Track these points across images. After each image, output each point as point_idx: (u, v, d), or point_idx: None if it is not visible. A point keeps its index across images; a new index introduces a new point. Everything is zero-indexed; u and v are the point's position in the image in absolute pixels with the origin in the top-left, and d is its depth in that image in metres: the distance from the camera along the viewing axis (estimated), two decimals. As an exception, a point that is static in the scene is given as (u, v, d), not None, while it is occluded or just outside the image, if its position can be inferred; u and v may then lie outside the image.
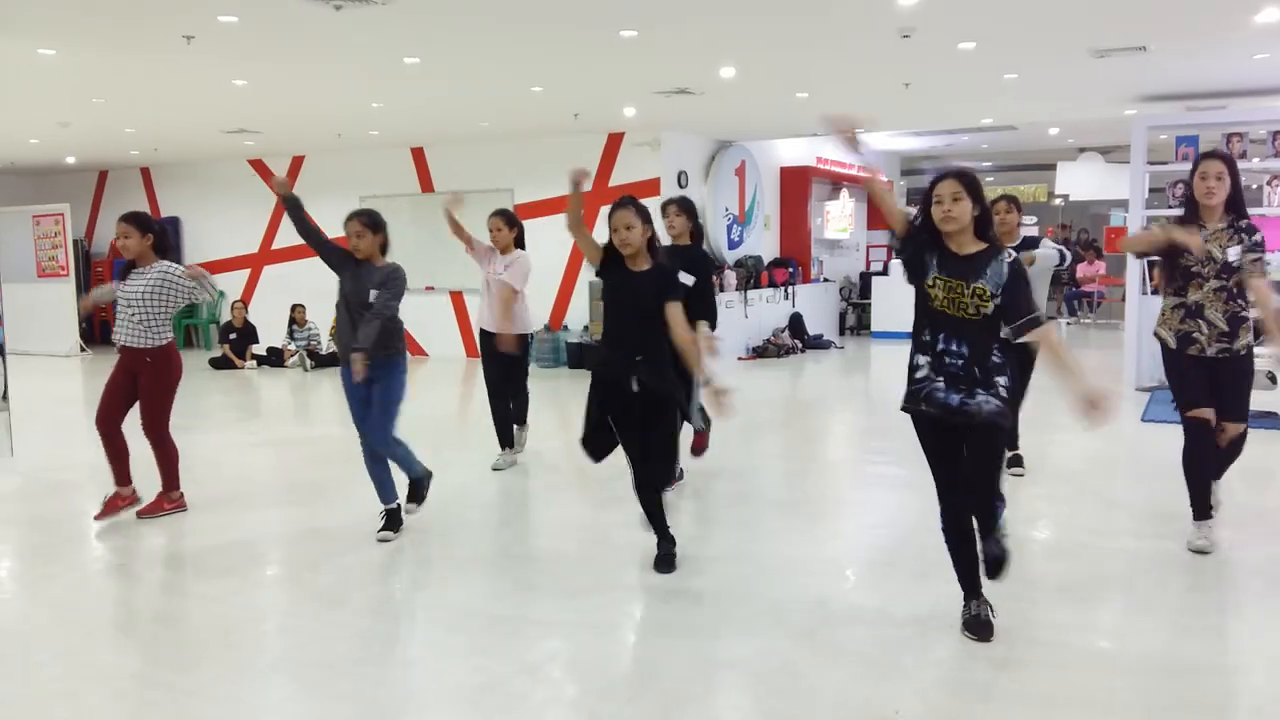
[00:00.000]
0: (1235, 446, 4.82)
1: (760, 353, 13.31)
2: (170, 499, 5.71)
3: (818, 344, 14.21)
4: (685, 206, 5.89)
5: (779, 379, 11.62)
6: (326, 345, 13.00)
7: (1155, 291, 4.91)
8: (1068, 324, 16.68)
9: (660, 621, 4.09)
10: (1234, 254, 4.59)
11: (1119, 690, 3.38)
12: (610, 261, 4.51)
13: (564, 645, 3.85)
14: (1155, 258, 4.96)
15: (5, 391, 7.39)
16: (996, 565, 3.86)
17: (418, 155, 13.71)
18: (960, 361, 3.63)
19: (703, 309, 5.54)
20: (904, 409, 3.77)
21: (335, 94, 9.63)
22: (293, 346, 13.06)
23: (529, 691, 3.45)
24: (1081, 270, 17.38)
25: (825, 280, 15.81)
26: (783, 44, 7.76)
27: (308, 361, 12.80)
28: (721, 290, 12.83)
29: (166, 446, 5.63)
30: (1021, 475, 6.13)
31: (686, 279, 5.26)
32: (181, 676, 3.61)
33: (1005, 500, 4.09)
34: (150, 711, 3.35)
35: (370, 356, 5.04)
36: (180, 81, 8.86)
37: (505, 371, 6.68)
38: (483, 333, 6.76)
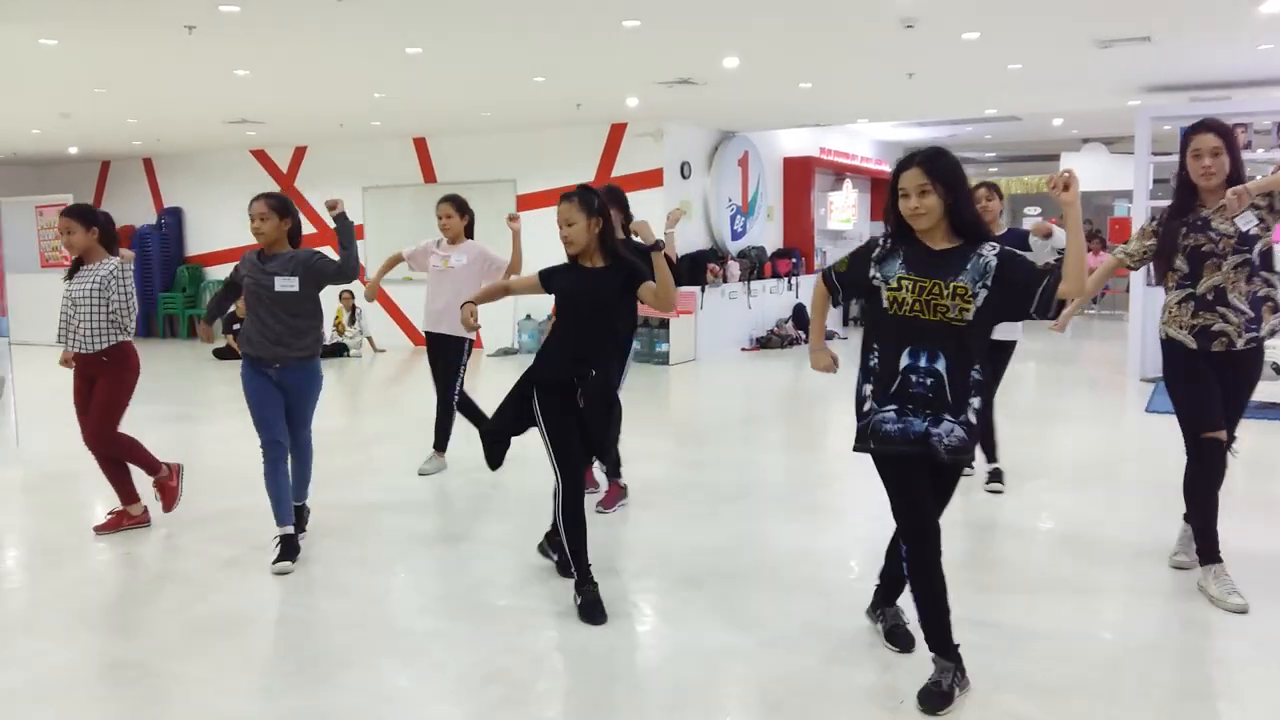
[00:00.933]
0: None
1: (763, 344, 13.31)
2: (130, 515, 5.35)
3: (821, 335, 14.19)
4: (615, 198, 5.21)
5: (782, 370, 11.63)
6: (330, 336, 13.03)
7: (1160, 282, 4.32)
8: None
9: (665, 611, 4.10)
10: (1248, 222, 3.95)
11: (1122, 680, 3.38)
12: (558, 270, 4.17)
13: (568, 635, 3.86)
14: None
15: (10, 382, 7.40)
16: (937, 704, 3.16)
17: (420, 145, 13.70)
18: (930, 381, 3.09)
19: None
20: (856, 449, 3.26)
21: (337, 84, 9.62)
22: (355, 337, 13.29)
23: (533, 681, 3.46)
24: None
25: (828, 271, 15.78)
26: (786, 34, 7.74)
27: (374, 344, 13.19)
28: (724, 281, 12.83)
29: (122, 447, 5.25)
30: (1000, 492, 5.73)
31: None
32: (187, 665, 3.62)
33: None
34: (157, 700, 3.37)
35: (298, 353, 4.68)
36: (182, 72, 8.84)
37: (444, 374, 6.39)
38: (430, 335, 6.43)
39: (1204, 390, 4.07)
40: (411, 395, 10.15)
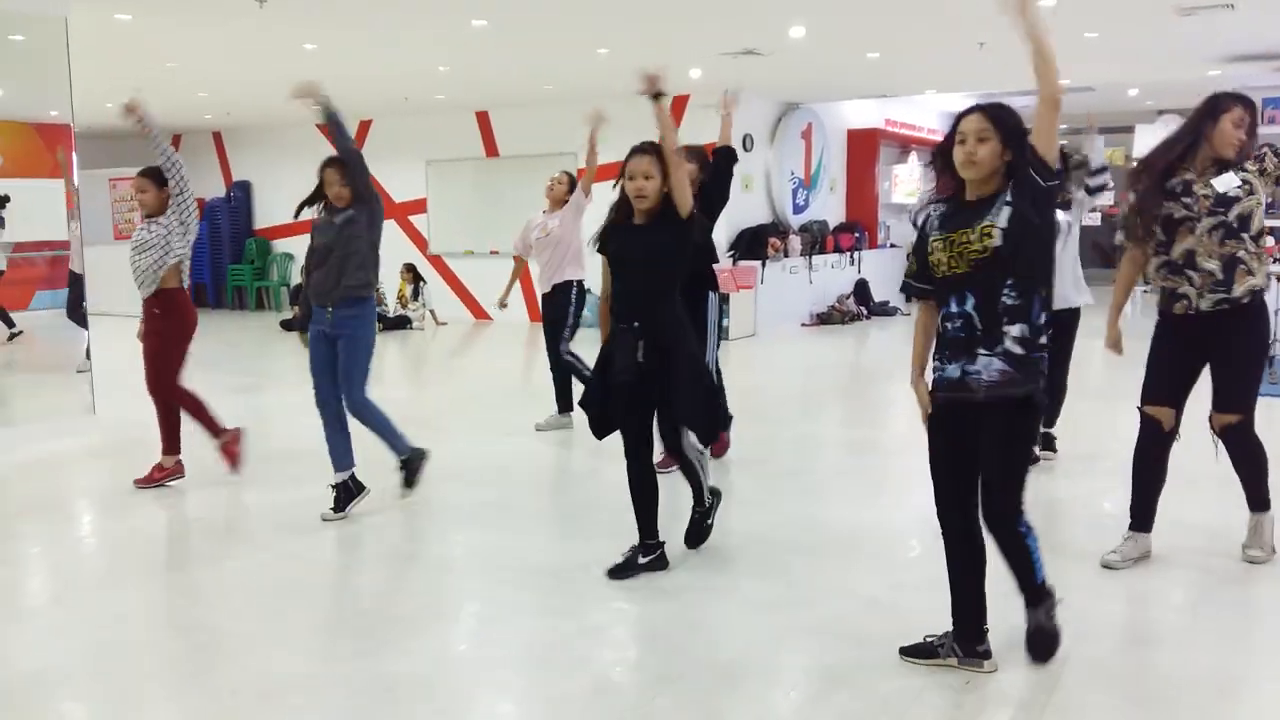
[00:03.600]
0: (1237, 444, 4.08)
1: (824, 319, 13.19)
2: (162, 467, 5.52)
3: (884, 311, 14.03)
4: (695, 154, 5.43)
5: (843, 346, 11.51)
6: (394, 309, 13.18)
7: (1129, 239, 4.26)
8: (1144, 292, 16.20)
9: (726, 586, 4.09)
10: (1225, 183, 3.89)
11: (1154, 667, 3.31)
12: (608, 232, 4.09)
13: (630, 607, 3.88)
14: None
15: (88, 352, 7.61)
16: (1044, 645, 3.20)
17: (482, 119, 13.73)
18: (960, 322, 3.02)
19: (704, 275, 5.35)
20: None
21: (403, 58, 9.68)
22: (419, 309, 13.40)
23: (595, 653, 3.48)
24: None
25: (892, 246, 15.57)
26: (855, 3, 7.61)
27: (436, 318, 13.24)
28: (785, 255, 12.71)
29: (178, 400, 5.44)
30: (1051, 460, 5.68)
31: None
32: (259, 629, 3.71)
33: (1032, 530, 3.19)
34: (230, 662, 3.45)
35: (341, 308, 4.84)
36: (252, 46, 8.96)
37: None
38: (543, 298, 7.04)
39: (1160, 364, 4.12)
40: (474, 368, 10.25)
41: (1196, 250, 3.93)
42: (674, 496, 4.71)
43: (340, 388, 4.89)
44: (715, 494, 4.51)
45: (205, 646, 3.60)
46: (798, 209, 13.55)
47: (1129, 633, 3.62)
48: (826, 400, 8.42)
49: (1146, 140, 17.00)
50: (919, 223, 3.24)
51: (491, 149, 13.72)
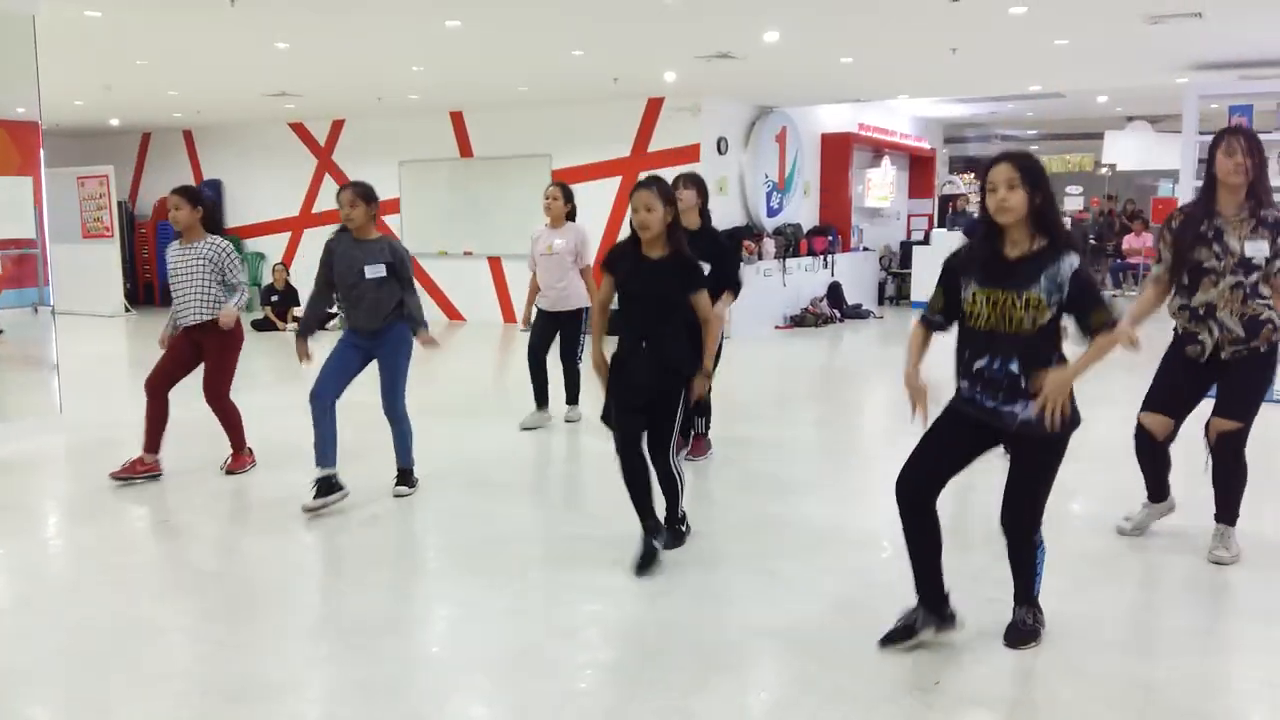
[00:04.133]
0: (1225, 459, 4.24)
1: (798, 322, 13.24)
2: (245, 455, 5.91)
3: (856, 313, 14.11)
4: (695, 182, 5.73)
5: (816, 348, 11.57)
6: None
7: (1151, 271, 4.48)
8: (1112, 296, 16.41)
9: (698, 589, 4.10)
10: (1255, 249, 4.02)
11: (1157, 669, 3.35)
12: (620, 255, 4.31)
13: (604, 610, 3.88)
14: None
15: (54, 351, 7.52)
16: (1019, 638, 3.45)
17: (457, 120, 13.69)
18: (1002, 375, 3.23)
19: (728, 285, 5.51)
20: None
21: (376, 57, 9.63)
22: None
23: (568, 655, 3.48)
24: (1128, 242, 17.08)
25: (865, 249, 15.66)
26: (828, 7, 7.65)
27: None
28: (759, 258, 12.75)
29: (230, 412, 5.79)
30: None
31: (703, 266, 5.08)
32: (228, 632, 3.68)
33: (1043, 545, 3.47)
34: (199, 665, 3.42)
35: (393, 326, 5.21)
36: (223, 44, 8.89)
37: (553, 337, 6.99)
38: (548, 314, 6.95)
39: (1167, 376, 4.33)
40: (448, 370, 10.21)
41: (1218, 304, 4.10)
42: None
43: (383, 396, 5.24)
44: (686, 525, 4.62)
45: (174, 649, 3.56)
46: (772, 212, 13.60)
47: (1099, 635, 3.65)
48: (800, 402, 8.46)
49: (1115, 147, 17.23)
50: (957, 256, 3.40)
51: (466, 150, 13.68)
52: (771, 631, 3.64)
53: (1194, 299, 4.15)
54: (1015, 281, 3.18)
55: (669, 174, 5.91)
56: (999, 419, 3.26)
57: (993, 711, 3.08)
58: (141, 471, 5.67)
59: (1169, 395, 4.33)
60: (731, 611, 3.82)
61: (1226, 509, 4.32)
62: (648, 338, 4.22)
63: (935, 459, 3.39)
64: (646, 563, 4.24)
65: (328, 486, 5.07)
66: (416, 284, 5.40)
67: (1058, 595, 3.88)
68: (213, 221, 5.73)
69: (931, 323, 3.46)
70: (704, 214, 5.76)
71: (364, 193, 5.12)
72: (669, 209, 4.19)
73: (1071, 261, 3.15)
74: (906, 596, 3.86)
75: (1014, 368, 3.21)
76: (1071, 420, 3.22)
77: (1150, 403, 4.38)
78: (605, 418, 4.37)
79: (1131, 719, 3.02)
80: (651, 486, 4.30)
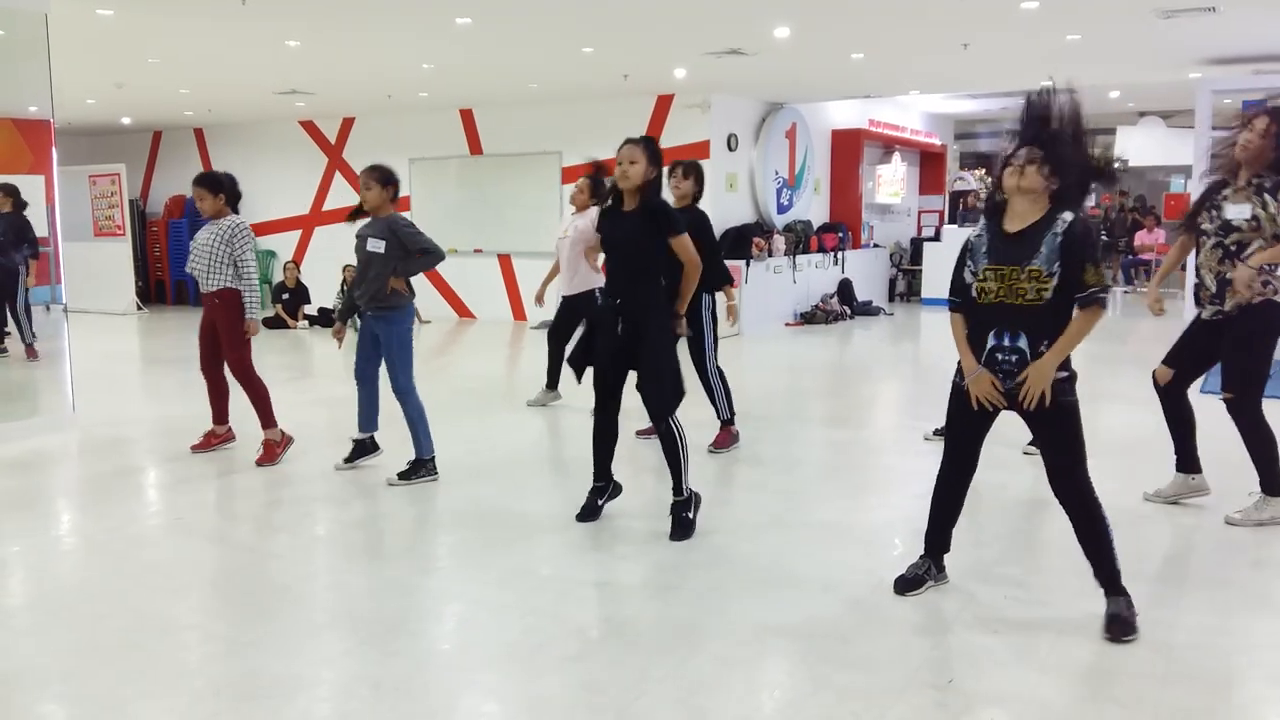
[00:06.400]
0: (1242, 426, 4.56)
1: (808, 319, 13.22)
2: (275, 440, 5.98)
3: (867, 311, 14.08)
4: (692, 170, 6.01)
5: (826, 346, 11.54)
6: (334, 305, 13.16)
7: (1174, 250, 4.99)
8: (1125, 292, 16.36)
9: (709, 585, 4.10)
10: (1237, 211, 4.38)
11: (1173, 661, 3.33)
12: (605, 212, 4.65)
13: (615, 606, 3.88)
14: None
15: (67, 348, 7.56)
16: (1121, 630, 3.43)
17: (466, 117, 13.70)
18: (1014, 357, 3.38)
19: (710, 271, 5.58)
20: (955, 380, 3.65)
21: (387, 55, 9.64)
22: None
23: (579, 651, 3.47)
24: (1140, 238, 17.01)
25: (875, 246, 15.63)
26: (839, 3, 7.62)
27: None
28: (769, 255, 12.74)
29: (254, 385, 5.93)
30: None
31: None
32: (240, 630, 3.69)
33: (1101, 507, 3.53)
34: (212, 663, 3.43)
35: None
36: (234, 42, 8.91)
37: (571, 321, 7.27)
38: (566, 299, 7.31)
39: (1184, 334, 4.78)
40: (456, 367, 10.22)
41: (1202, 264, 4.53)
42: (664, 497, 4.71)
43: (389, 373, 5.51)
44: (695, 496, 4.71)
45: (187, 647, 3.57)
46: (782, 209, 13.57)
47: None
48: (810, 399, 8.44)
49: (1127, 142, 17.16)
50: (970, 241, 3.55)
51: (476, 147, 13.69)
52: (782, 629, 3.63)
53: (1197, 257, 4.58)
54: (1018, 254, 3.32)
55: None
56: (1012, 400, 3.44)
57: (1006, 709, 3.07)
58: (215, 443, 6.17)
59: (1178, 349, 4.76)
60: (742, 609, 3.82)
61: (1261, 476, 4.60)
62: (621, 296, 4.49)
63: (971, 443, 3.66)
64: (584, 515, 4.76)
65: (361, 449, 5.72)
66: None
67: (1071, 592, 3.87)
68: (235, 199, 5.98)
69: (959, 305, 3.57)
70: (695, 198, 6.05)
71: (380, 175, 5.37)
72: (651, 167, 4.43)
73: (1065, 217, 3.29)
74: (918, 595, 3.87)
75: (1022, 344, 3.34)
76: (1069, 383, 3.39)
77: (1165, 357, 4.81)
78: (570, 360, 4.82)
79: (1145, 717, 3.00)
80: (610, 450, 4.75)
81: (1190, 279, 5.00)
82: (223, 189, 5.90)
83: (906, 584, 3.84)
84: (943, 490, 3.79)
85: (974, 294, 3.43)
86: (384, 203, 5.41)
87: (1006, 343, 3.38)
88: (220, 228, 5.84)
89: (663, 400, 4.53)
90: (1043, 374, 3.32)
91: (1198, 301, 4.63)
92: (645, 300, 4.52)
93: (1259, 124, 4.34)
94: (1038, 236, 3.29)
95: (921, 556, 3.89)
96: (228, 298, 5.84)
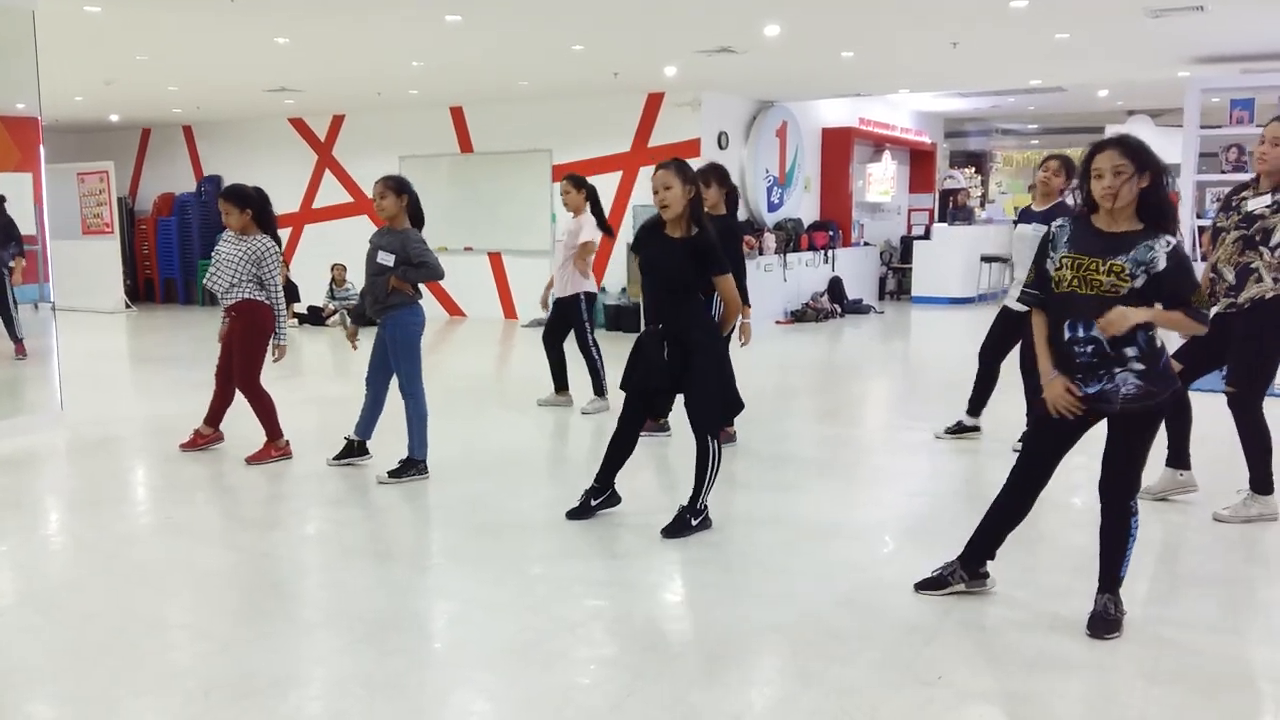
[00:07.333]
0: (1239, 421, 4.59)
1: (798, 317, 13.23)
2: (276, 447, 5.95)
3: (857, 309, 14.10)
4: (713, 174, 5.88)
5: (817, 343, 11.56)
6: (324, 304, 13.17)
7: (1204, 259, 4.98)
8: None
9: (701, 583, 4.10)
10: (1257, 202, 4.47)
11: (1162, 658, 3.35)
12: (644, 233, 4.53)
13: (607, 604, 3.88)
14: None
15: (55, 346, 7.51)
16: (1104, 628, 3.47)
17: (457, 115, 13.67)
18: (1090, 349, 3.34)
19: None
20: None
21: (376, 52, 9.61)
22: (333, 305, 13.15)
23: (572, 649, 3.48)
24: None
25: (865, 244, 15.65)
26: (829, 1, 7.63)
27: (348, 320, 12.88)
28: (760, 253, 12.75)
29: (259, 398, 5.90)
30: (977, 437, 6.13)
31: None
32: (234, 628, 3.68)
33: (1138, 518, 3.52)
34: (205, 662, 3.42)
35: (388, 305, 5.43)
36: (223, 39, 8.87)
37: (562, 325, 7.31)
38: (556, 302, 7.32)
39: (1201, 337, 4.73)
40: (447, 365, 10.21)
41: (1221, 258, 4.55)
42: (670, 497, 4.70)
43: (395, 372, 5.52)
44: (706, 514, 4.67)
45: (178, 646, 3.56)
46: (772, 207, 13.59)
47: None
48: (801, 397, 8.45)
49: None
50: (1053, 230, 3.48)
51: (466, 145, 13.66)
52: (774, 626, 3.64)
53: (1214, 257, 4.61)
54: (1104, 250, 3.29)
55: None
56: (1104, 400, 3.37)
57: (994, 705, 3.08)
58: (203, 443, 6.13)
59: (1189, 345, 4.63)
60: (734, 606, 3.82)
61: (1252, 473, 4.63)
62: (663, 320, 4.42)
63: (1046, 456, 3.57)
64: (575, 513, 4.77)
65: (349, 449, 5.73)
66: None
67: (1062, 590, 3.88)
68: (265, 218, 5.88)
69: (1029, 297, 3.55)
70: (730, 202, 5.96)
71: (394, 184, 5.39)
72: (688, 187, 4.30)
73: (1168, 240, 3.27)
74: (909, 593, 3.88)
75: (1096, 333, 3.29)
76: (1170, 384, 3.40)
77: (1174, 352, 4.70)
78: (623, 385, 4.66)
79: (1133, 715, 3.02)
80: (622, 461, 4.73)
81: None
82: (250, 204, 5.81)
83: (929, 584, 3.83)
84: (1004, 497, 3.69)
85: (1052, 282, 3.39)
86: (399, 212, 5.39)
87: (1081, 333, 3.34)
88: (249, 247, 5.76)
89: (708, 420, 4.54)
90: (1124, 316, 3.24)
91: (1213, 297, 4.60)
92: (687, 321, 4.45)
93: (1265, 133, 4.48)
94: (1132, 240, 3.27)
95: (957, 559, 3.82)
96: (245, 310, 5.79)
